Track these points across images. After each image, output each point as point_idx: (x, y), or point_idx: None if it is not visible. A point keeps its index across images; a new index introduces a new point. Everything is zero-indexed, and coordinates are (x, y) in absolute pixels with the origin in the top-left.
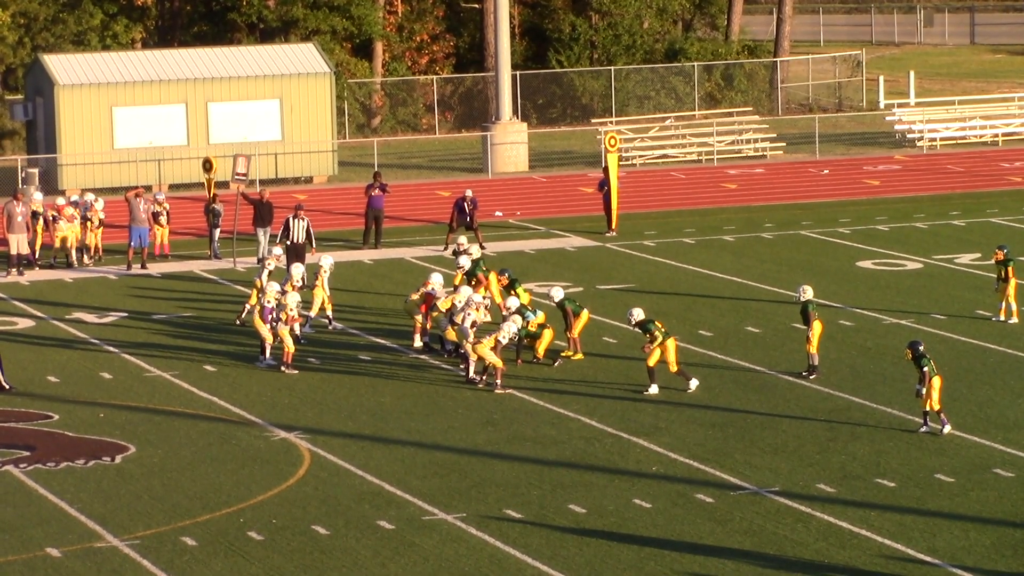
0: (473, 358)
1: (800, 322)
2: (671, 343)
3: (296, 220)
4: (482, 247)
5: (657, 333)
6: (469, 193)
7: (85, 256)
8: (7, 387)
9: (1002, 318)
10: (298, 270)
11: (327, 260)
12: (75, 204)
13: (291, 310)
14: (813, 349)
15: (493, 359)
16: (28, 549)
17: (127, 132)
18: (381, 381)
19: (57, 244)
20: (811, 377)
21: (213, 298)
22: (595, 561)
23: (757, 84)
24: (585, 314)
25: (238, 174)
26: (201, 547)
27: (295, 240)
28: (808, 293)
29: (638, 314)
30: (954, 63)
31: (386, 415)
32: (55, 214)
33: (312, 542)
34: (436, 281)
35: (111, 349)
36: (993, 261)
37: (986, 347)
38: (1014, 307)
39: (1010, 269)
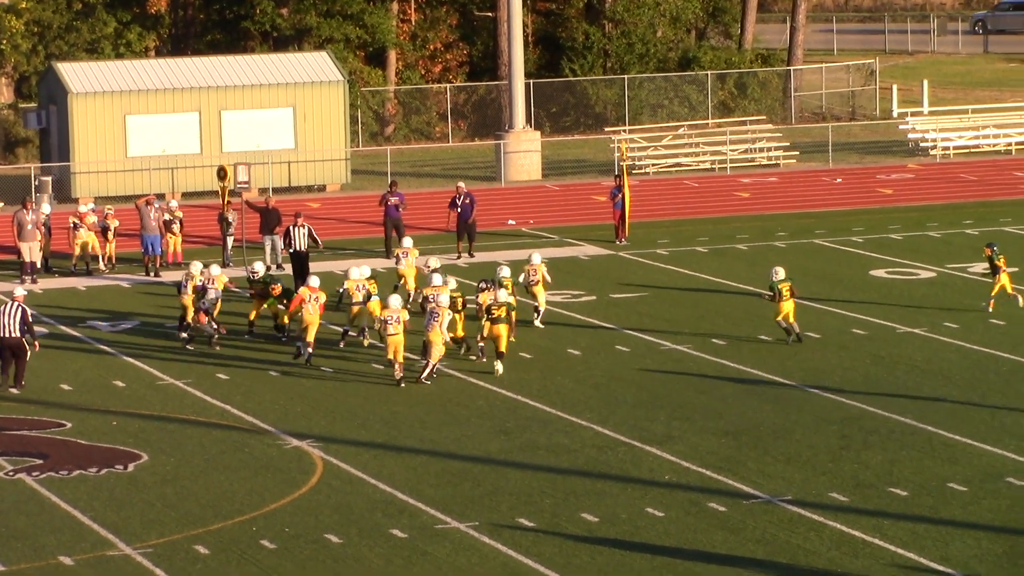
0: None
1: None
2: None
3: (296, 228)
4: (471, 255)
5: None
6: (462, 185)
7: (101, 264)
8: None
9: None
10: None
11: (408, 241)
12: (94, 211)
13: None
14: (778, 318)
15: (436, 350)
16: (41, 557)
17: (140, 140)
18: (394, 389)
19: (77, 251)
20: (790, 339)
21: (226, 306)
22: (607, 570)
23: (770, 93)
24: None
25: (240, 183)
26: (213, 555)
27: (297, 247)
28: (780, 274)
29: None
30: (967, 72)
31: (399, 423)
32: (76, 221)
33: (325, 550)
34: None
35: (124, 357)
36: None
37: (999, 356)
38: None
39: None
